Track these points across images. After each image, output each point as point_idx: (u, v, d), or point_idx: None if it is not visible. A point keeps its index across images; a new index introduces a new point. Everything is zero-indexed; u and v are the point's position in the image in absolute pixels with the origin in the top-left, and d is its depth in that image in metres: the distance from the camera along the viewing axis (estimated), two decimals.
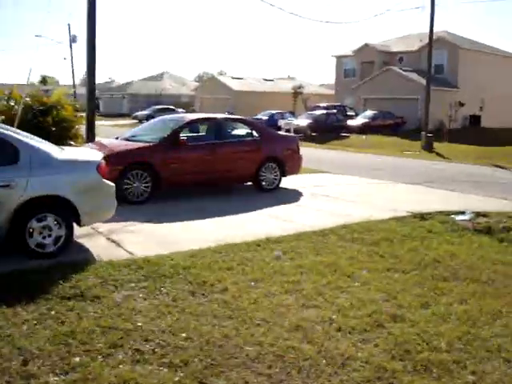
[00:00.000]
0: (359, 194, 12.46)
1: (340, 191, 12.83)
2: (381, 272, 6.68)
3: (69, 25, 55.52)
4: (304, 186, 13.23)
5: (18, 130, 7.18)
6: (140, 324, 4.89)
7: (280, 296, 5.73)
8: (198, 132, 12.28)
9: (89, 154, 7.44)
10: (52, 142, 13.55)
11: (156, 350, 4.43)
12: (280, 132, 26.91)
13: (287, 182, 13.18)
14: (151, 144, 11.05)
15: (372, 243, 7.96)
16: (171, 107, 59.28)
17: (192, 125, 12.11)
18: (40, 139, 7.23)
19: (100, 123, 46.61)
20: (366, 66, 48.56)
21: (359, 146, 30.65)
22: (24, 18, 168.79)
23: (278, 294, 5.80)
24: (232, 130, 12.84)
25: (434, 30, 31.28)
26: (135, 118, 55.60)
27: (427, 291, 6.04)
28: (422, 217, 9.85)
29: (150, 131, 12.36)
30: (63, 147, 7.47)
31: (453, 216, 9.93)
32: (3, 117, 15.02)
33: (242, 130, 12.88)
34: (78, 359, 4.23)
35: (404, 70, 43.49)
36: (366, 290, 6.00)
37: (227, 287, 5.91)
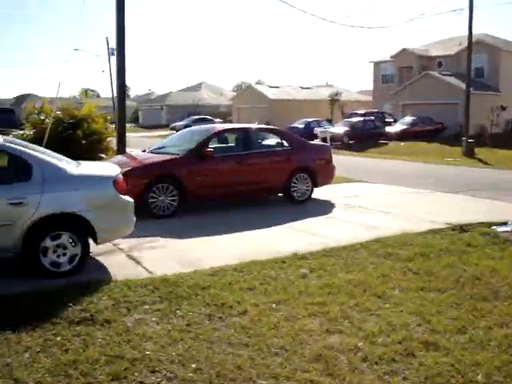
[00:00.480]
0: (395, 205, 11.90)
1: (375, 202, 12.30)
2: (414, 291, 6.18)
3: (107, 38, 56.16)
4: (337, 197, 12.76)
5: (32, 145, 6.99)
6: (148, 352, 4.54)
7: (303, 320, 5.30)
8: (227, 143, 11.96)
9: (106, 168, 7.19)
10: (82, 155, 13.57)
11: (161, 382, 4.07)
12: (315, 141, 26.47)
13: (320, 193, 12.74)
14: (177, 156, 10.79)
15: (406, 259, 7.45)
16: (208, 117, 59.47)
17: (220, 136, 11.81)
18: (56, 154, 7.01)
19: (137, 135, 47.23)
20: (404, 72, 47.68)
21: (398, 153, 29.93)
22: (62, 31, 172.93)
23: (301, 317, 5.37)
24: (261, 140, 12.47)
25: (473, 32, 30.37)
26: (173, 128, 55.87)
27: (464, 313, 5.52)
28: (462, 228, 9.27)
29: (177, 143, 12.12)
30: (80, 162, 7.23)
31: (494, 227, 9.33)
32: (34, 130, 15.11)
33: (271, 140, 12.51)
34: None
35: (443, 75, 42.46)
36: (397, 313, 5.52)
37: (247, 310, 5.52)
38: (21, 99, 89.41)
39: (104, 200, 6.71)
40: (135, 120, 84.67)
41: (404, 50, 47.95)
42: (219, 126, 13.42)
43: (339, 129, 36.43)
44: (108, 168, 7.21)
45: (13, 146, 6.33)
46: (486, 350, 4.66)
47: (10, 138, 6.64)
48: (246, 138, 11.75)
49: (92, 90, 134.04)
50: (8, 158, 6.46)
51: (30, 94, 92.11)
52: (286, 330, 5.05)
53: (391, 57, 49.25)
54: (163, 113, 77.35)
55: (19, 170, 6.30)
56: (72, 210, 6.43)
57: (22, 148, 6.36)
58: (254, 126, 13.84)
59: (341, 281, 6.46)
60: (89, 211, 6.49)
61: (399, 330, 5.05)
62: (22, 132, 15.65)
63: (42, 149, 6.96)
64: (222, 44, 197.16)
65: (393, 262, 7.33)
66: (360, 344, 4.74)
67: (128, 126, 63.93)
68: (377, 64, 51.32)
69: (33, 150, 6.53)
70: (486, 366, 4.35)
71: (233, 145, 11.99)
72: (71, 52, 30.62)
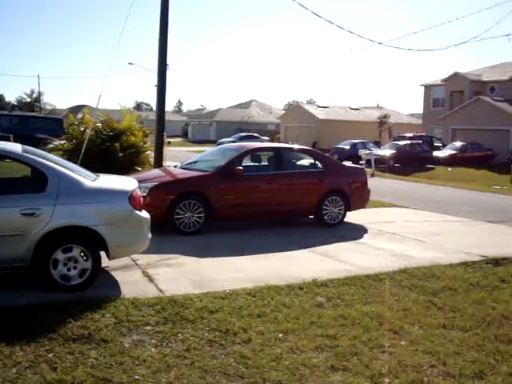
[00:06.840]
0: (431, 233, 11.42)
1: (410, 229, 11.84)
2: (435, 328, 5.80)
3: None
4: (372, 222, 12.35)
5: (52, 156, 6.95)
6: (138, 377, 4.35)
7: (308, 353, 5.00)
8: (260, 162, 11.75)
9: (123, 183, 7.06)
10: (119, 168, 13.61)
11: None
12: (360, 163, 26.04)
13: (354, 217, 12.37)
14: (205, 173, 10.65)
15: (432, 292, 7.06)
16: (255, 134, 59.55)
17: (252, 155, 11.60)
18: (75, 166, 6.96)
19: (183, 149, 47.65)
20: (455, 96, 46.66)
21: (444, 179, 29.13)
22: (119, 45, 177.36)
23: (307, 350, 5.08)
24: (294, 160, 12.22)
25: None
26: (220, 144, 56.12)
27: (485, 356, 5.11)
28: (497, 262, 8.79)
29: (208, 159, 12.01)
30: (99, 175, 7.15)
31: None
32: (74, 141, 15.28)
33: (305, 161, 12.23)
34: None
35: (495, 100, 41.27)
36: (411, 351, 5.16)
37: (251, 338, 5.27)
38: (75, 110, 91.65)
39: (118, 215, 6.58)
40: (185, 134, 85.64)
41: (456, 74, 46.94)
42: (251, 144, 13.18)
43: (385, 151, 35.75)
44: (125, 182, 7.09)
45: (29, 155, 6.29)
46: None
47: (28, 147, 6.60)
48: (279, 157, 11.52)
49: (146, 104, 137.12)
50: (24, 168, 6.43)
51: (85, 105, 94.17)
52: (287, 363, 4.77)
53: (442, 80, 48.30)
54: (212, 128, 78.01)
55: (34, 180, 6.26)
56: (85, 224, 6.32)
57: (38, 158, 6.31)
58: (287, 145, 13.62)
59: (357, 312, 6.14)
60: (102, 225, 6.37)
61: (410, 371, 4.70)
62: (62, 142, 15.84)
63: (60, 160, 6.92)
64: (275, 63, 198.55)
65: (417, 294, 6.96)
66: None
67: (177, 140, 64.17)
68: (428, 87, 50.43)
69: (51, 160, 6.46)
70: None
71: (265, 164, 11.77)
72: (112, 64, 30.90)
